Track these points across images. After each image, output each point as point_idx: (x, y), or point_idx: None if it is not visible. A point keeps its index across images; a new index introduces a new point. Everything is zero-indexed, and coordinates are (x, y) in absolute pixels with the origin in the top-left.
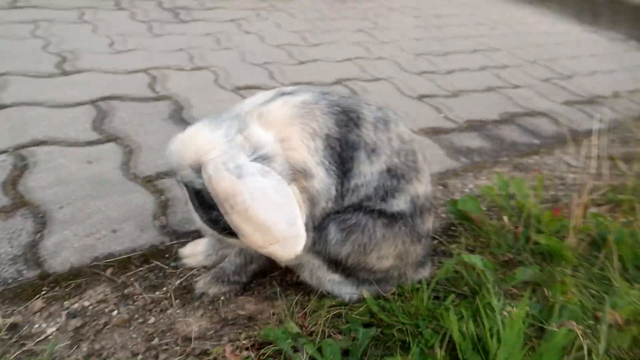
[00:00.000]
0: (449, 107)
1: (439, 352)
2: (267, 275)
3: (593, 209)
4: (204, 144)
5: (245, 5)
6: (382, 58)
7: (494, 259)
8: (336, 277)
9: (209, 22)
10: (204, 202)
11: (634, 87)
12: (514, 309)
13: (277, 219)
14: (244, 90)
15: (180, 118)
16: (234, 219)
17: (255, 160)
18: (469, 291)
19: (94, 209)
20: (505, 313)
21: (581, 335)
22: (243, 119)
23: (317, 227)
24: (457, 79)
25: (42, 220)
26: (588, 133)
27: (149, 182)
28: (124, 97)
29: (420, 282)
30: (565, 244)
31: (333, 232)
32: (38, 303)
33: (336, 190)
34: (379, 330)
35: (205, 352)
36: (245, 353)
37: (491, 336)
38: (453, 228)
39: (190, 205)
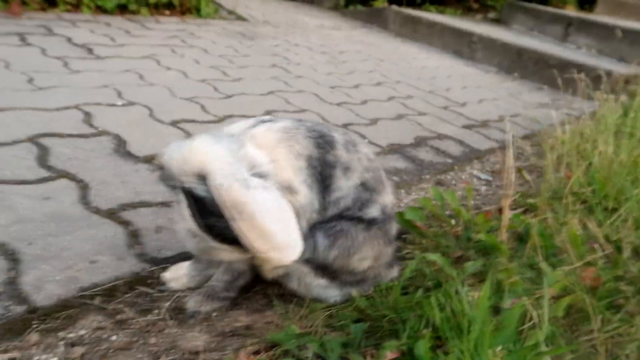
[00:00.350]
0: (370, 134)
1: (427, 332)
2: (249, 290)
3: (510, 212)
4: (211, 155)
5: (155, 42)
6: (302, 91)
7: (446, 257)
8: (322, 281)
9: (125, 59)
10: (204, 209)
11: (514, 111)
12: (477, 292)
13: (277, 229)
14: (181, 123)
15: (126, 152)
16: (241, 225)
17: (253, 176)
18: (432, 285)
19: (64, 244)
20: (470, 297)
21: (531, 307)
22: (238, 138)
23: (305, 236)
24: (371, 109)
25: (12, 257)
26: (487, 151)
27: (112, 214)
28: (62, 134)
29: (392, 280)
30: (499, 240)
31: (321, 239)
32: (33, 336)
33: (319, 203)
34: (368, 324)
35: None
36: (257, 356)
37: (462, 316)
38: (404, 236)
39: (184, 212)
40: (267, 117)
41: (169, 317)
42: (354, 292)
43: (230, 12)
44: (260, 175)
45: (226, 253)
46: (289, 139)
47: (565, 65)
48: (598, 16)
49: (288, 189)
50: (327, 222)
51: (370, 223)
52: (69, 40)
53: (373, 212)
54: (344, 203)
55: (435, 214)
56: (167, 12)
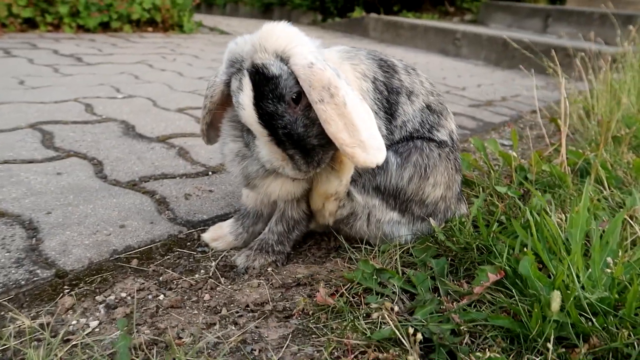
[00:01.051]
0: None
1: (528, 251)
2: (301, 247)
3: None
4: (298, 38)
5: (144, 51)
6: None
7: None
8: (395, 215)
9: (117, 64)
10: (275, 91)
11: (514, 93)
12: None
13: (364, 126)
14: (188, 110)
15: (137, 134)
16: (329, 110)
17: None
18: (504, 219)
19: (86, 212)
20: (556, 219)
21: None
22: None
23: None
24: None
25: (31, 226)
26: (500, 124)
27: (134, 185)
28: (65, 121)
29: (460, 216)
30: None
31: (393, 157)
32: (67, 301)
33: (385, 129)
34: (449, 259)
35: (284, 309)
36: (334, 297)
37: (555, 238)
38: None
39: (244, 99)
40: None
41: (220, 275)
42: (432, 222)
43: (212, 29)
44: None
45: (276, 184)
46: (351, 57)
47: (549, 51)
48: (575, 6)
49: None
50: (397, 144)
51: (441, 144)
52: (56, 52)
53: (442, 135)
54: (411, 125)
55: (476, 166)
56: (150, 29)
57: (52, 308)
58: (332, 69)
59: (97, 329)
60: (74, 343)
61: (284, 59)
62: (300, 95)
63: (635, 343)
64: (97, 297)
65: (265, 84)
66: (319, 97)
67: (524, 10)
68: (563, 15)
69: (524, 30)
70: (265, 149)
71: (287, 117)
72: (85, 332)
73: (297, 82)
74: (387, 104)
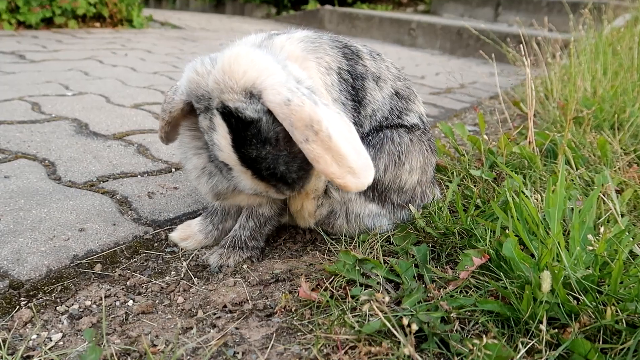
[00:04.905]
0: None
1: (510, 233)
2: (275, 241)
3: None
4: (264, 65)
5: (92, 47)
6: None
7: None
8: (374, 207)
9: (64, 61)
10: (258, 136)
11: (471, 80)
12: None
13: (350, 149)
14: (144, 106)
15: (91, 132)
16: (316, 148)
17: None
18: (480, 203)
19: (40, 217)
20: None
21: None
22: (271, 50)
23: None
24: None
25: None
26: (462, 110)
27: (92, 186)
28: (9, 121)
29: (437, 201)
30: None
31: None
32: (24, 314)
33: (354, 120)
34: (429, 245)
35: (265, 307)
36: (318, 292)
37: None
38: None
39: (219, 141)
40: (274, 31)
41: (192, 276)
42: (412, 208)
43: (164, 23)
44: (310, 91)
45: (249, 197)
46: (315, 49)
47: (504, 38)
48: None
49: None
50: (368, 136)
51: (412, 127)
52: None
53: (412, 119)
54: (380, 114)
55: (445, 152)
56: (98, 24)
57: (7, 323)
58: (309, 97)
59: (60, 342)
60: None
61: (254, 95)
62: (281, 132)
63: (624, 319)
64: (58, 308)
65: (244, 129)
66: (303, 137)
67: (475, 0)
68: (513, 3)
69: (476, 19)
70: (248, 182)
71: (270, 157)
72: (48, 347)
73: (276, 120)
74: (354, 91)
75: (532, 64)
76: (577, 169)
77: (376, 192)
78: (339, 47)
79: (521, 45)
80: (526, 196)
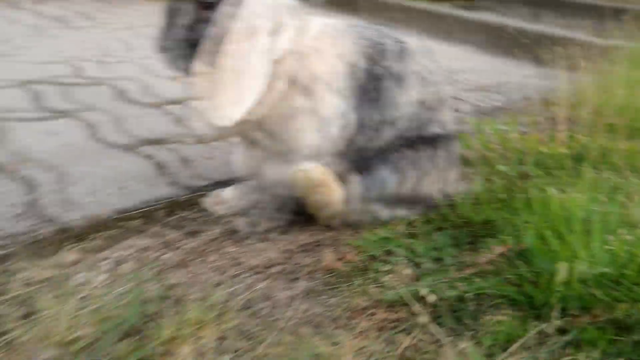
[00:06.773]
0: None
1: (531, 225)
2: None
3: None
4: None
5: (132, 18)
6: None
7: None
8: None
9: (106, 30)
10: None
11: (506, 80)
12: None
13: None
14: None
15: (131, 98)
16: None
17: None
18: (504, 197)
19: (83, 173)
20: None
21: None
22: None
23: (366, 169)
24: None
25: (29, 183)
26: (494, 109)
27: (130, 149)
28: (56, 82)
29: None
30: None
31: (388, 176)
32: (70, 255)
33: (356, 120)
34: (450, 233)
35: (292, 271)
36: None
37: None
38: None
39: None
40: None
41: (224, 239)
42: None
43: None
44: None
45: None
46: (336, 36)
47: (540, 39)
48: None
49: (306, 89)
50: (388, 152)
51: (434, 141)
52: (40, 13)
53: (435, 128)
54: (401, 124)
55: (474, 147)
56: None
57: (55, 262)
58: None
59: (103, 284)
60: (82, 295)
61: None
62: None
63: (635, 313)
64: (101, 254)
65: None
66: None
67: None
68: (553, 4)
69: (514, 17)
70: None
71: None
72: (93, 285)
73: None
74: (362, 90)
75: (568, 68)
76: (604, 174)
77: (397, 200)
78: (364, 45)
79: (559, 48)
80: (551, 194)
